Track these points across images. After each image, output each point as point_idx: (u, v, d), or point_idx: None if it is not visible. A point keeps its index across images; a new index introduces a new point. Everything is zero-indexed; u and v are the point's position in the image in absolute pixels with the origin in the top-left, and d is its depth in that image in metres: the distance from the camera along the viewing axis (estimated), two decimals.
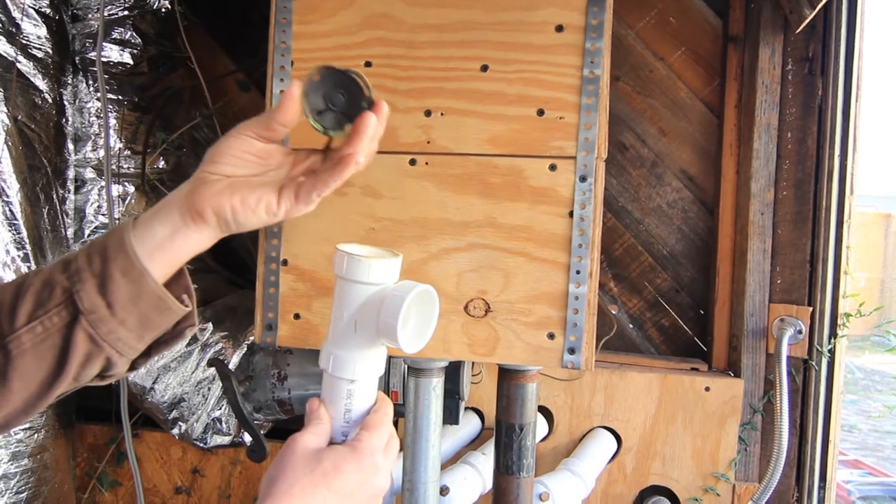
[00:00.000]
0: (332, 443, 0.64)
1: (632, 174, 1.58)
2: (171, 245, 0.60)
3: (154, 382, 1.28)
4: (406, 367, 0.93)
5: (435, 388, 0.92)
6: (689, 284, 1.58)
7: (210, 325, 1.31)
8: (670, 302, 1.58)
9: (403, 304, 0.60)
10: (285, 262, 0.87)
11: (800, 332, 1.37)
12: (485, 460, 1.22)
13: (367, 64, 0.86)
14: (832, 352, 1.36)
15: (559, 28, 0.82)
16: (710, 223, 1.56)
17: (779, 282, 1.41)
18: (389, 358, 1.20)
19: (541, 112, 0.82)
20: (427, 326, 0.65)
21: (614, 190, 1.59)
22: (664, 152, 1.57)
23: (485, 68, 0.83)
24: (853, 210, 1.37)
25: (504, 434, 0.95)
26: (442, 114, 0.84)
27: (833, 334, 1.37)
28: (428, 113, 0.84)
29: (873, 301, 1.46)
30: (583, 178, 0.81)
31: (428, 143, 0.84)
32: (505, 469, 0.95)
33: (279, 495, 0.57)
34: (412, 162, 0.84)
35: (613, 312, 1.60)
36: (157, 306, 0.59)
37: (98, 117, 1.34)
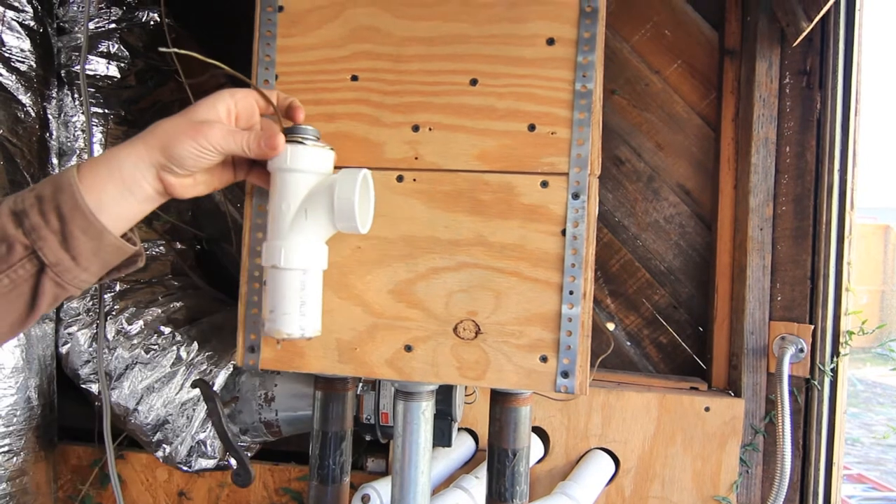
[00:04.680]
0: (289, 339, 0.71)
1: (628, 189, 1.56)
2: (137, 211, 0.67)
3: (138, 404, 1.24)
4: (394, 390, 0.90)
5: (424, 412, 0.88)
6: (688, 301, 1.55)
7: (195, 345, 1.28)
8: (668, 319, 1.55)
9: (357, 179, 0.69)
10: None
11: (801, 350, 1.33)
12: (478, 484, 1.18)
13: (354, 78, 0.83)
14: (835, 371, 1.33)
15: (550, 41, 0.79)
16: (708, 238, 1.53)
17: (779, 299, 1.38)
18: (378, 381, 1.16)
19: (532, 127, 0.79)
20: (368, 209, 0.76)
21: (610, 205, 1.57)
22: (661, 166, 1.54)
23: (474, 82, 0.81)
24: (854, 225, 1.35)
25: (496, 459, 0.91)
26: (430, 129, 0.81)
27: (835, 352, 1.33)
28: (416, 128, 0.82)
29: (874, 314, 1.43)
30: (575, 196, 0.78)
31: (416, 158, 0.81)
32: (498, 496, 0.92)
33: None
34: (399, 178, 0.82)
35: (611, 329, 1.56)
36: (115, 253, 0.65)
37: (83, 131, 1.31)
